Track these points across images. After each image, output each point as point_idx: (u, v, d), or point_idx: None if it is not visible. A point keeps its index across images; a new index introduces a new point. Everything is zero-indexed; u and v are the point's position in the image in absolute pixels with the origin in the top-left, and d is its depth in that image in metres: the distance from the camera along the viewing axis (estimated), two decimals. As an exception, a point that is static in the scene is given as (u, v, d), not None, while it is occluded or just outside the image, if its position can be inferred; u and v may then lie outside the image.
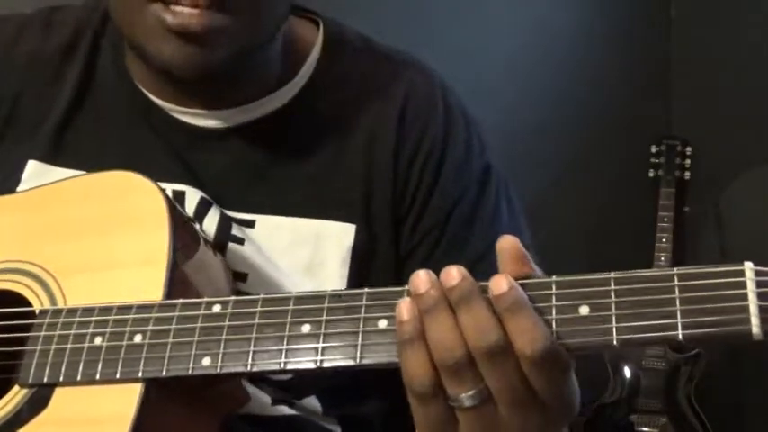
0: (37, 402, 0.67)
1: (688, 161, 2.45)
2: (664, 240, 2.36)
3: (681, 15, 2.60)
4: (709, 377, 2.31)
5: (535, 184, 2.30)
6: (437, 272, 0.81)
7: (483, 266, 0.80)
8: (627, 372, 2.34)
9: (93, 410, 0.66)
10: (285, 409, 0.83)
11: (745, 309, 0.53)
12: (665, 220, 2.38)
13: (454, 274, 0.57)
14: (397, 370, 0.79)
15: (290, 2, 0.84)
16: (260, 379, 0.82)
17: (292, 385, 0.82)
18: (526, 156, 2.28)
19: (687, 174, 2.45)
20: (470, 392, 0.57)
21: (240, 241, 0.82)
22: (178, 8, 0.74)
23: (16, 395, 0.69)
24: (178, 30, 0.74)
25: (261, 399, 0.82)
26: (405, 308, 0.58)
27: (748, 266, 0.54)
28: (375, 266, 0.84)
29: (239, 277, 0.82)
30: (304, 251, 0.83)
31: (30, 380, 0.68)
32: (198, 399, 0.70)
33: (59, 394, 0.67)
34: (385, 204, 0.84)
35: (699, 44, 2.55)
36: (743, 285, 0.53)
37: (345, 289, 0.80)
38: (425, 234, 0.84)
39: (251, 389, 0.82)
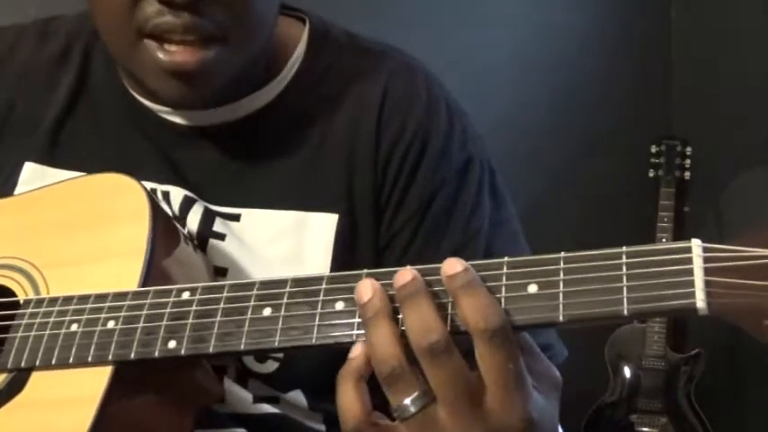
0: (14, 385, 0.70)
1: (688, 161, 2.45)
2: (664, 240, 2.36)
3: (681, 15, 2.60)
4: (710, 377, 2.31)
5: (535, 184, 2.31)
6: (415, 261, 0.82)
7: (465, 255, 0.81)
8: (627, 372, 2.34)
9: (65, 392, 0.68)
10: (267, 408, 0.83)
11: (691, 284, 0.53)
12: (665, 220, 2.38)
13: (407, 275, 0.59)
14: None
15: (278, 10, 0.85)
16: (246, 373, 0.83)
17: (277, 378, 0.83)
18: (526, 155, 2.29)
19: (687, 174, 2.45)
20: (413, 396, 0.58)
21: (221, 237, 0.84)
22: (171, 47, 0.75)
23: None
24: (172, 69, 0.76)
25: (242, 397, 0.83)
26: (357, 348, 0.60)
27: (695, 243, 0.54)
28: (357, 256, 0.84)
29: (219, 272, 0.83)
30: (288, 242, 0.84)
31: (9, 364, 0.71)
32: (168, 387, 0.72)
33: (35, 378, 0.70)
34: (366, 194, 0.84)
35: (699, 44, 2.55)
36: (689, 261, 0.54)
37: None
38: (404, 224, 0.85)
39: (234, 387, 0.83)
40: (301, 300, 0.63)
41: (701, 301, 0.53)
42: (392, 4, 2.22)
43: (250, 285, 0.66)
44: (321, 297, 0.63)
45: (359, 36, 0.92)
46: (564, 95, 2.46)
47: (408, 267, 0.59)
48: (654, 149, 2.48)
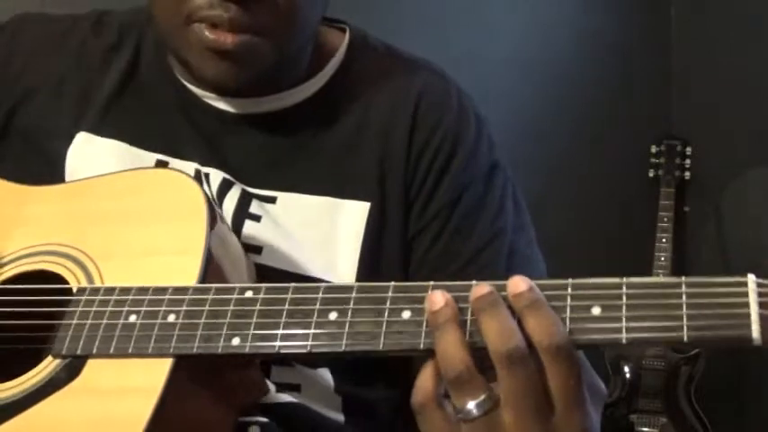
0: (69, 372, 0.71)
1: (688, 161, 2.45)
2: (664, 240, 2.36)
3: (681, 15, 2.60)
4: (710, 377, 2.32)
5: (535, 184, 2.30)
6: (442, 256, 0.87)
7: (486, 255, 0.87)
8: (627, 372, 2.34)
9: (122, 381, 0.69)
10: (288, 397, 0.86)
11: (747, 316, 0.58)
12: (665, 220, 2.38)
13: (485, 287, 0.62)
14: (408, 361, 0.85)
15: (322, 14, 0.92)
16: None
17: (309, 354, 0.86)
18: (526, 155, 2.28)
19: (687, 174, 2.45)
20: (478, 400, 0.61)
21: (257, 218, 0.88)
22: (218, 29, 0.82)
23: (49, 365, 0.72)
24: (214, 47, 0.82)
25: None
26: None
27: (751, 278, 0.59)
28: (385, 244, 0.89)
29: (255, 250, 0.87)
30: (321, 227, 0.88)
31: (63, 351, 0.71)
32: (222, 382, 0.73)
33: (91, 365, 0.70)
34: (397, 187, 0.89)
35: (699, 44, 2.56)
36: (745, 295, 0.58)
37: (357, 264, 0.87)
38: (432, 219, 0.89)
39: None
40: (367, 306, 0.65)
41: (755, 332, 0.57)
42: (392, 5, 2.22)
43: (315, 289, 0.67)
44: (387, 305, 0.65)
45: (395, 47, 0.99)
46: (564, 95, 2.46)
47: (482, 282, 0.63)
48: (654, 149, 2.48)
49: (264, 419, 0.83)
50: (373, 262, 0.87)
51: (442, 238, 0.89)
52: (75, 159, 0.91)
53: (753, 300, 0.58)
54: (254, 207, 0.89)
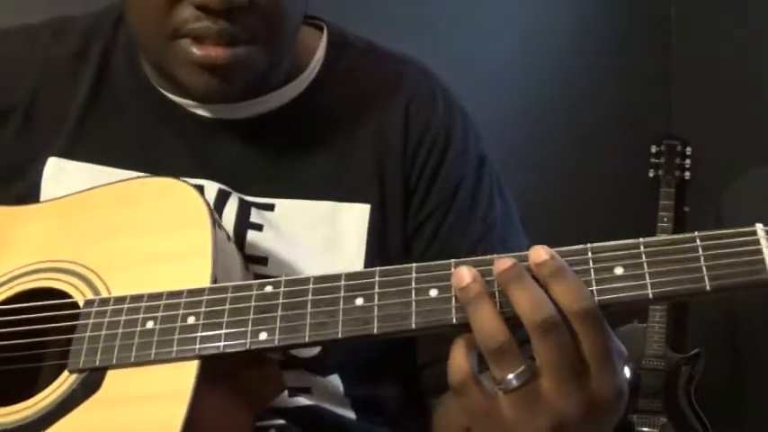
0: (89, 385, 0.69)
1: (688, 161, 2.45)
2: (664, 241, 2.36)
3: (681, 15, 2.60)
4: (709, 377, 2.31)
5: (535, 184, 2.31)
6: (443, 249, 0.88)
7: (483, 247, 0.88)
8: (627, 372, 2.34)
9: (147, 388, 0.68)
10: (301, 400, 0.86)
11: (762, 261, 0.60)
12: (665, 220, 2.38)
13: (507, 261, 0.63)
14: (414, 356, 0.87)
15: (303, 12, 0.89)
16: (288, 360, 0.85)
17: (320, 362, 0.86)
18: (526, 155, 2.29)
19: (687, 174, 2.45)
20: (518, 371, 0.62)
21: (259, 227, 0.87)
22: (205, 43, 0.79)
23: (66, 380, 0.71)
24: (205, 63, 0.79)
25: None
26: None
27: (759, 227, 0.62)
28: (390, 245, 0.89)
29: (260, 261, 0.86)
30: (322, 231, 0.87)
31: (80, 365, 0.70)
32: (246, 382, 0.73)
33: (112, 376, 0.69)
34: (396, 186, 0.89)
35: (699, 44, 2.55)
36: (756, 242, 0.61)
37: (363, 265, 0.87)
38: (430, 214, 0.90)
39: None
40: (393, 289, 0.66)
41: None
42: (392, 4, 2.22)
43: (336, 277, 0.67)
44: (413, 285, 0.65)
45: (375, 43, 0.98)
46: (564, 95, 2.46)
47: (505, 255, 0.64)
48: (654, 149, 2.48)
49: (282, 421, 0.84)
50: (379, 263, 0.85)
51: (441, 231, 0.89)
52: (50, 185, 0.88)
53: (765, 246, 0.60)
54: (254, 216, 0.87)
